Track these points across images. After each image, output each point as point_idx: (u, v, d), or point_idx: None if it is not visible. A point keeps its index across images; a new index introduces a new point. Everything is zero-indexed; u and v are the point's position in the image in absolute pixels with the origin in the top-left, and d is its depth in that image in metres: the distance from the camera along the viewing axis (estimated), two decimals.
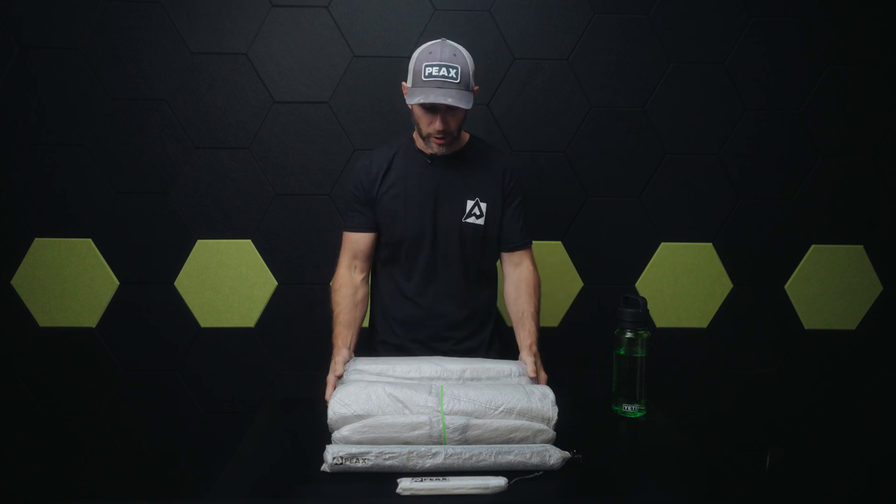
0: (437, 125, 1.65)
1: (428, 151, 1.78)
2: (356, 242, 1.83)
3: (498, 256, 1.87)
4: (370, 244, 1.83)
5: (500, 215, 1.80)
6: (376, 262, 1.88)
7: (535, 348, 1.70)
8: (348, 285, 1.81)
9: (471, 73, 1.67)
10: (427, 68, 1.62)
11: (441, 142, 1.69)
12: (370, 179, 1.79)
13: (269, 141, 2.34)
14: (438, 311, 1.80)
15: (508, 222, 1.81)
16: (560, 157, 2.38)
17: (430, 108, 1.65)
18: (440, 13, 2.31)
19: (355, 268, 1.83)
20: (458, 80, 1.62)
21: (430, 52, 1.65)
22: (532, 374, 1.57)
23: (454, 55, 1.64)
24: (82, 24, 2.27)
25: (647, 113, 2.37)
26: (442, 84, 1.61)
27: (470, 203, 1.77)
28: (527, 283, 1.81)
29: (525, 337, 1.74)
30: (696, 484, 1.36)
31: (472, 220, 1.77)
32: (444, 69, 1.61)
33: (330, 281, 1.85)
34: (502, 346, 1.93)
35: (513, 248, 1.83)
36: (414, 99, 1.63)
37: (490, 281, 1.90)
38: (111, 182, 2.33)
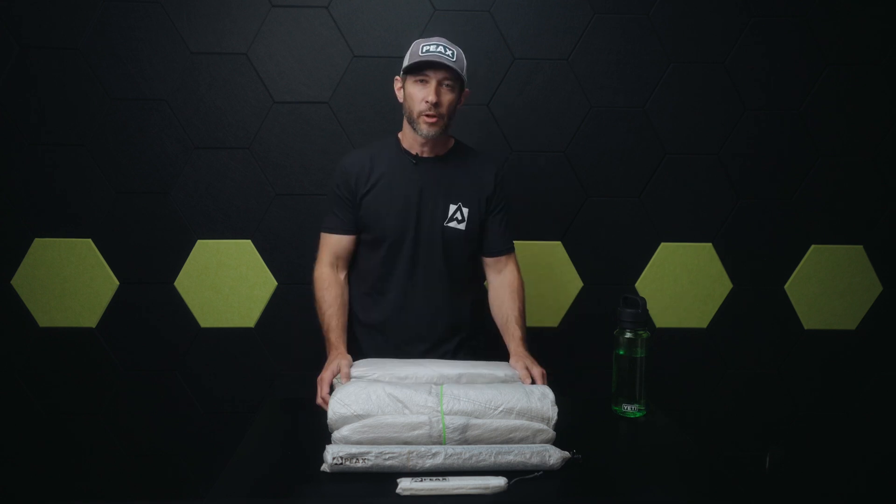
0: (431, 95, 1.66)
1: (413, 150, 1.78)
2: (337, 244, 1.82)
3: (481, 261, 1.87)
4: (351, 245, 1.83)
5: (482, 221, 1.80)
6: (352, 263, 1.86)
7: (521, 350, 1.68)
8: (336, 285, 1.81)
9: (465, 65, 1.73)
10: (424, 46, 1.69)
11: (431, 119, 1.69)
12: (355, 178, 1.78)
13: (269, 141, 2.34)
14: (416, 313, 1.79)
15: (491, 228, 1.81)
16: (560, 157, 2.38)
17: (422, 79, 1.68)
18: (440, 13, 2.31)
19: (338, 267, 1.83)
20: (454, 59, 1.68)
21: (427, 39, 1.72)
22: (526, 381, 1.55)
23: (451, 44, 1.72)
24: (82, 24, 2.27)
25: (647, 113, 2.37)
26: (439, 57, 1.66)
27: (452, 207, 1.77)
28: (510, 287, 1.81)
29: (510, 341, 1.73)
30: (696, 484, 1.36)
31: (453, 224, 1.77)
32: (440, 47, 1.68)
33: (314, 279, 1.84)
34: (475, 350, 1.89)
35: (495, 254, 1.83)
36: (410, 62, 1.68)
37: (473, 285, 1.90)
38: (111, 182, 2.33)
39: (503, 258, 1.84)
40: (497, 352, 1.76)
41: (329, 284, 1.80)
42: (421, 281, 1.79)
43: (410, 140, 1.78)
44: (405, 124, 1.78)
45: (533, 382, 1.55)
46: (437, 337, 1.82)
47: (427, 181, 1.77)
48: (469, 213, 1.78)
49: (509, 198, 1.87)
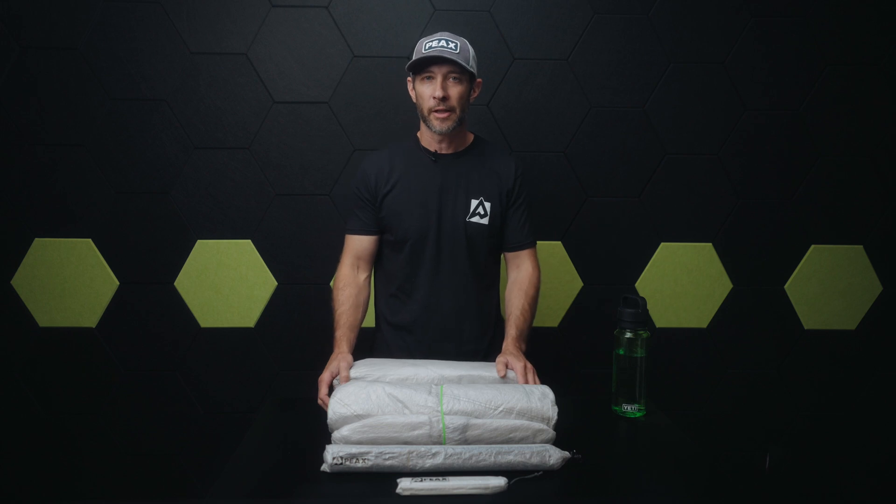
0: (438, 91, 1.66)
1: (432, 148, 1.78)
2: (359, 244, 1.83)
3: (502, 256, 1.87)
4: (373, 246, 1.83)
5: (504, 215, 1.80)
6: (378, 265, 1.88)
7: (510, 347, 1.66)
8: (352, 285, 1.80)
9: (470, 54, 1.72)
10: (427, 43, 1.69)
11: (443, 115, 1.69)
12: (375, 179, 1.79)
13: (269, 141, 2.34)
14: (444, 312, 1.80)
15: (510, 222, 1.81)
16: (560, 157, 2.38)
17: (428, 75, 1.68)
18: (440, 13, 2.31)
19: (358, 268, 1.83)
20: (457, 52, 1.67)
21: (430, 36, 1.72)
22: (501, 374, 1.54)
23: (454, 36, 1.71)
24: (82, 24, 2.27)
25: (647, 113, 2.37)
26: (440, 52, 1.66)
27: (474, 202, 1.77)
28: (518, 285, 1.81)
29: (505, 339, 1.72)
30: (696, 484, 1.36)
31: (476, 219, 1.76)
32: (442, 42, 1.68)
33: (330, 281, 1.85)
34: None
35: (514, 248, 1.83)
36: (413, 60, 1.68)
37: (496, 281, 1.90)
38: (111, 182, 2.33)
39: (522, 253, 1.83)
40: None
41: (345, 285, 1.80)
42: (446, 279, 1.78)
43: (428, 138, 1.79)
44: (422, 123, 1.78)
45: (528, 381, 1.54)
46: (465, 335, 1.81)
47: (447, 178, 1.77)
48: (491, 207, 1.77)
49: (529, 192, 1.86)
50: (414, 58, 1.70)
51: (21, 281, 2.35)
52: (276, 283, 2.39)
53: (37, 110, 2.29)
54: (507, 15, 2.32)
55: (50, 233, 2.34)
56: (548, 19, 2.32)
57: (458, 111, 1.70)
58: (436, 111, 1.69)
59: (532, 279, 1.81)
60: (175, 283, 2.37)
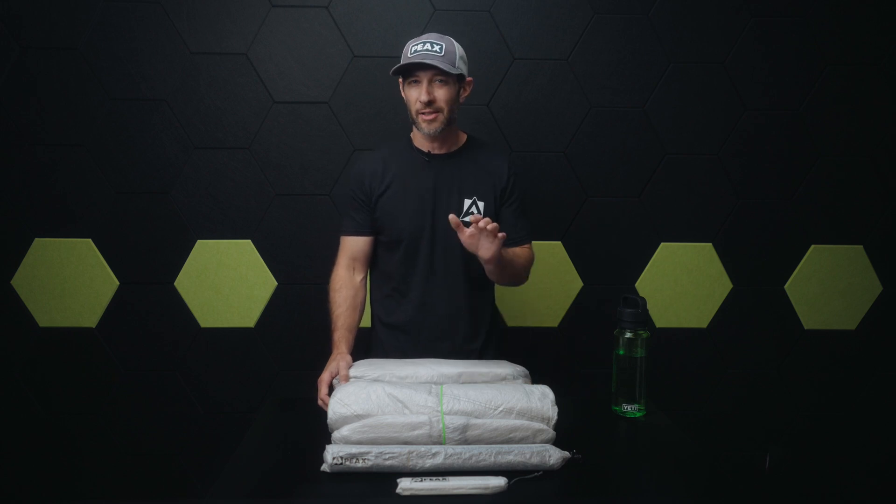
0: (423, 95, 1.66)
1: (425, 148, 1.78)
2: (354, 246, 1.83)
3: None
4: (368, 247, 1.83)
5: (498, 214, 1.80)
6: (373, 266, 1.88)
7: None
8: (349, 287, 1.81)
9: (457, 54, 1.70)
10: (412, 47, 1.69)
11: (429, 117, 1.68)
12: (370, 180, 1.79)
13: (269, 141, 2.34)
14: (438, 312, 1.80)
15: (504, 220, 1.81)
16: (560, 157, 2.38)
17: (414, 79, 1.68)
18: (440, 13, 2.31)
19: (354, 269, 1.84)
20: (441, 54, 1.66)
21: (417, 38, 1.71)
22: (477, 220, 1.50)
23: (440, 37, 1.70)
24: (82, 24, 2.27)
25: (647, 113, 2.37)
26: (424, 56, 1.65)
27: (467, 202, 1.77)
28: (515, 252, 1.78)
29: None
30: (696, 484, 1.36)
31: (469, 219, 1.76)
32: (427, 45, 1.67)
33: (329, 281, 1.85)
34: (499, 348, 1.92)
35: (509, 245, 1.82)
36: (399, 65, 1.67)
37: (491, 282, 1.90)
38: (111, 182, 2.33)
39: (518, 250, 1.82)
40: (509, 354, 1.75)
41: (341, 286, 1.81)
42: (440, 279, 1.78)
43: (421, 139, 1.79)
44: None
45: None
46: (460, 335, 1.81)
47: (441, 178, 1.77)
48: (485, 206, 1.77)
49: (524, 189, 1.85)
50: (401, 62, 1.69)
51: (21, 281, 2.35)
52: (276, 283, 2.39)
53: (37, 110, 2.29)
54: (507, 15, 2.32)
55: (50, 233, 2.34)
56: (548, 19, 2.32)
57: (445, 112, 1.70)
58: (422, 113, 1.69)
59: (526, 261, 1.80)
60: (175, 283, 2.37)
